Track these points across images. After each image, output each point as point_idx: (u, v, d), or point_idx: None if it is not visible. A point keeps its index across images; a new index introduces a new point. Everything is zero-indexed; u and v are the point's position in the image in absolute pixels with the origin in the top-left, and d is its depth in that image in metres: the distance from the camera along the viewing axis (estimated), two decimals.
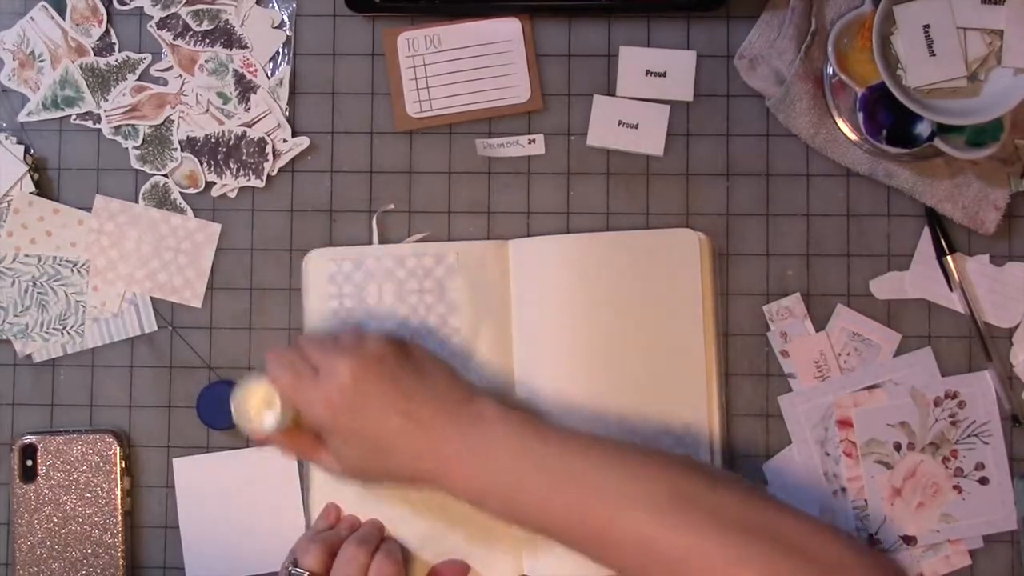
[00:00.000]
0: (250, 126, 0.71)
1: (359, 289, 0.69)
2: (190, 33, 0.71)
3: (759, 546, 0.53)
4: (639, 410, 0.68)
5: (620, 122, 0.71)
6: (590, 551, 0.58)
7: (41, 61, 0.72)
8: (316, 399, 0.60)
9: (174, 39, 0.71)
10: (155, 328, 0.72)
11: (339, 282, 0.69)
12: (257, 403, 0.62)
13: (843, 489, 0.69)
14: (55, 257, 0.71)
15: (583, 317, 0.68)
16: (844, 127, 0.69)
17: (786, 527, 0.55)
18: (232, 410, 0.63)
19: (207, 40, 0.71)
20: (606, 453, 0.59)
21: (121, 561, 0.70)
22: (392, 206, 0.71)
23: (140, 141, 0.71)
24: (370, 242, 0.71)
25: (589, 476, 0.57)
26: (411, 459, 0.60)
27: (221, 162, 0.71)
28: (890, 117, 0.65)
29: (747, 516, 0.55)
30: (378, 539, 0.67)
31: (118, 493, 0.70)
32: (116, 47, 0.72)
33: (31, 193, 0.71)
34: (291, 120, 0.72)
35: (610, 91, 0.71)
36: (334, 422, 0.61)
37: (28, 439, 0.70)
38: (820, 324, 0.70)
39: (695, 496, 0.55)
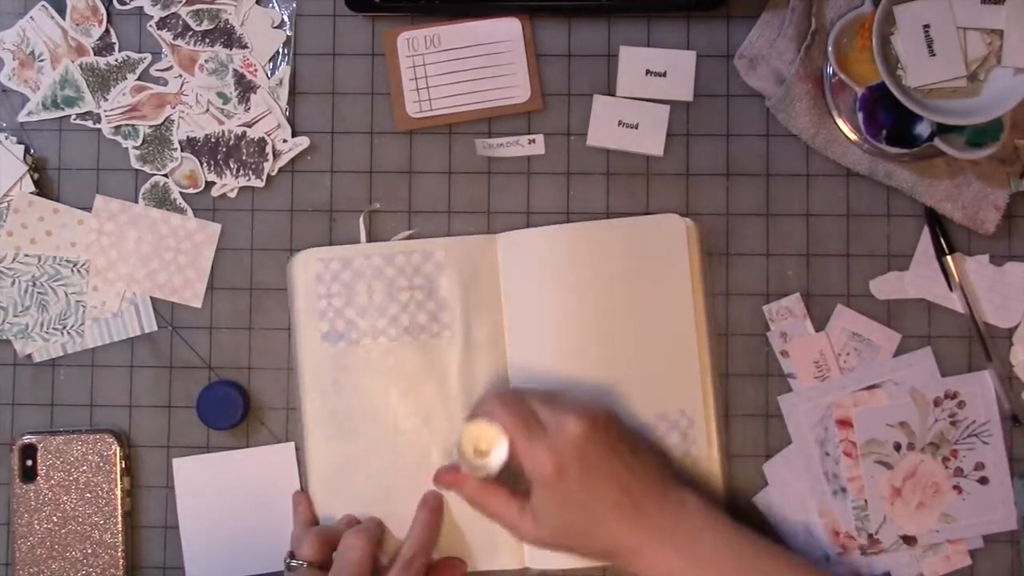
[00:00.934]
0: (250, 126, 0.71)
1: (347, 288, 0.69)
2: (190, 33, 0.71)
3: None
4: (633, 396, 0.68)
5: (620, 122, 0.71)
6: None
7: (41, 61, 0.72)
8: (544, 454, 0.60)
9: (174, 39, 0.71)
10: (155, 328, 0.72)
11: (327, 281, 0.69)
12: (474, 445, 0.62)
13: (843, 489, 0.69)
14: (55, 257, 0.71)
15: (575, 307, 0.68)
16: (844, 127, 0.69)
17: None
18: (455, 448, 0.64)
19: (207, 40, 0.71)
20: (798, 566, 0.61)
21: (121, 561, 0.70)
22: (378, 205, 0.71)
23: (140, 141, 0.71)
24: (359, 241, 0.71)
25: None
26: (616, 535, 0.61)
27: (221, 162, 0.71)
28: (890, 117, 0.65)
29: None
30: (380, 534, 0.67)
31: (118, 493, 0.70)
32: (116, 47, 0.72)
33: (31, 193, 0.71)
34: (291, 120, 0.72)
35: (610, 91, 0.71)
36: (555, 482, 0.60)
37: (28, 439, 0.70)
38: (820, 324, 0.70)
39: None
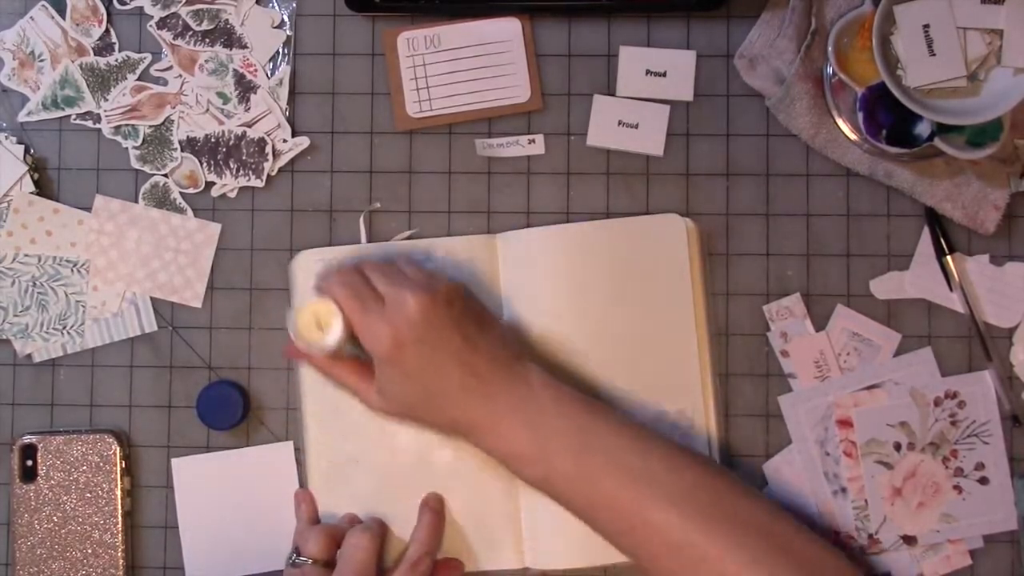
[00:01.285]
0: (250, 126, 0.71)
1: None
2: (190, 33, 0.71)
3: (774, 556, 0.56)
4: (633, 395, 0.68)
5: (620, 122, 0.71)
6: (609, 530, 0.59)
7: (41, 61, 0.72)
8: (381, 329, 0.59)
9: (174, 39, 0.71)
10: (155, 328, 0.72)
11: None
12: (315, 321, 0.61)
13: (843, 489, 0.69)
14: (55, 257, 0.71)
15: (574, 306, 0.68)
16: (844, 127, 0.69)
17: (798, 543, 0.58)
18: (288, 324, 0.62)
19: (207, 40, 0.71)
20: (643, 437, 0.60)
21: (121, 561, 0.70)
22: (379, 204, 0.71)
23: (140, 141, 0.71)
24: (359, 241, 0.71)
25: (626, 458, 0.59)
26: (460, 409, 0.60)
27: (221, 162, 0.71)
28: (890, 117, 0.65)
29: (767, 525, 0.58)
30: (384, 533, 0.67)
31: (118, 493, 0.70)
32: (116, 47, 0.72)
33: (31, 193, 0.71)
34: (291, 120, 0.72)
35: (610, 91, 0.71)
36: (393, 357, 0.59)
37: (28, 439, 0.70)
38: (820, 324, 0.70)
39: (720, 497, 0.58)
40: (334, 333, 0.61)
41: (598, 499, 0.59)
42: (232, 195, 0.72)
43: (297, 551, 0.65)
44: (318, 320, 0.61)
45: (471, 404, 0.60)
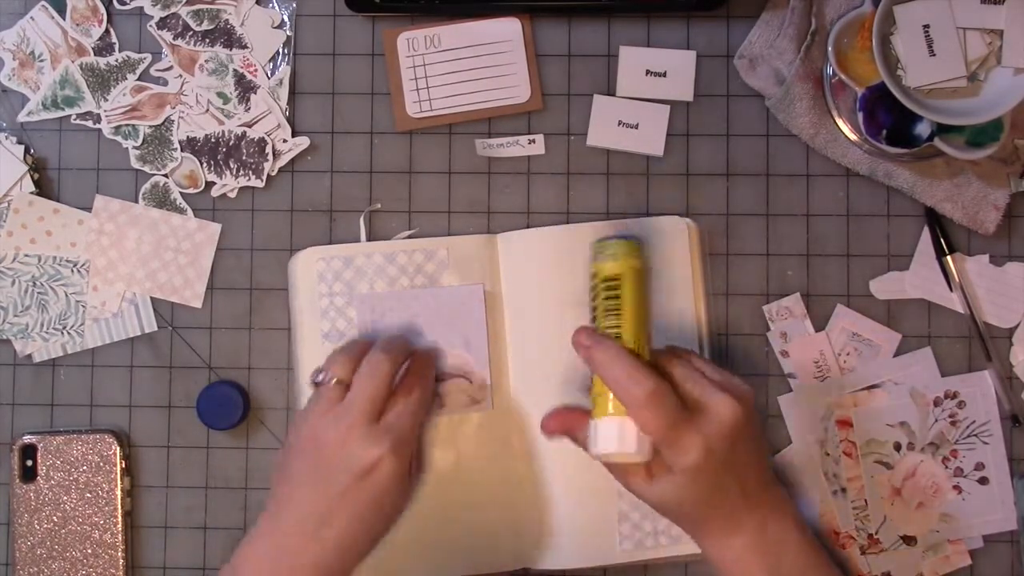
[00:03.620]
0: (250, 126, 0.71)
1: (349, 287, 0.69)
2: (190, 33, 0.71)
3: None
4: None
5: (620, 122, 0.71)
6: None
7: (41, 61, 0.72)
8: (691, 440, 0.55)
9: (174, 39, 0.71)
10: (155, 328, 0.72)
11: (329, 280, 0.69)
12: (618, 432, 0.57)
13: (843, 489, 0.69)
14: (55, 257, 0.71)
15: (575, 307, 0.68)
16: (844, 127, 0.69)
17: None
18: (592, 441, 0.59)
19: (207, 40, 0.71)
20: None
21: (121, 561, 0.70)
22: (379, 204, 0.71)
23: (140, 141, 0.71)
24: (359, 241, 0.71)
25: None
26: (719, 522, 0.59)
27: (221, 162, 0.71)
28: (890, 117, 0.65)
29: None
30: (406, 351, 0.64)
31: (118, 493, 0.70)
32: (116, 47, 0.72)
33: (31, 193, 0.71)
34: (291, 120, 0.72)
35: (610, 91, 0.71)
36: (699, 468, 0.56)
37: (28, 439, 0.70)
38: (820, 324, 0.70)
39: None
40: (643, 447, 0.57)
41: None
42: (232, 195, 0.72)
43: (322, 368, 0.62)
44: (624, 431, 0.57)
45: (728, 518, 0.58)
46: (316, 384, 0.62)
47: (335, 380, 0.61)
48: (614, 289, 0.60)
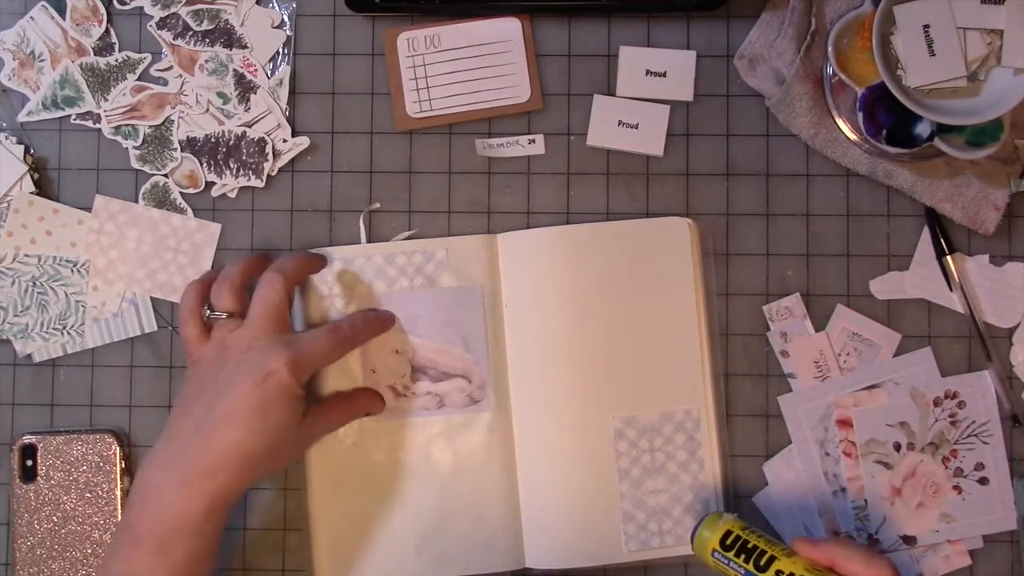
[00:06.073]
0: (250, 126, 0.71)
1: (349, 288, 0.69)
2: (190, 33, 0.71)
3: None
4: (638, 398, 0.68)
5: (620, 122, 0.71)
6: None
7: (41, 61, 0.72)
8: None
9: (174, 39, 0.71)
10: (155, 328, 0.72)
11: (329, 281, 0.69)
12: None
13: (843, 489, 0.69)
14: (55, 257, 0.71)
15: (576, 308, 0.68)
16: (844, 127, 0.69)
17: None
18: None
19: (207, 40, 0.71)
20: None
21: None
22: (379, 204, 0.71)
23: (140, 141, 0.71)
24: (359, 241, 0.71)
25: None
26: None
27: (221, 162, 0.71)
28: (890, 117, 0.65)
29: None
30: (298, 273, 0.66)
31: (118, 493, 0.70)
32: (116, 47, 0.72)
33: (31, 193, 0.71)
34: (291, 120, 0.72)
35: (610, 91, 0.71)
36: None
37: (28, 439, 0.70)
38: (820, 324, 0.70)
39: None
40: None
41: None
42: (232, 195, 0.72)
43: (210, 306, 0.64)
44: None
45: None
46: (208, 320, 0.63)
47: (227, 314, 0.63)
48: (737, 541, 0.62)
